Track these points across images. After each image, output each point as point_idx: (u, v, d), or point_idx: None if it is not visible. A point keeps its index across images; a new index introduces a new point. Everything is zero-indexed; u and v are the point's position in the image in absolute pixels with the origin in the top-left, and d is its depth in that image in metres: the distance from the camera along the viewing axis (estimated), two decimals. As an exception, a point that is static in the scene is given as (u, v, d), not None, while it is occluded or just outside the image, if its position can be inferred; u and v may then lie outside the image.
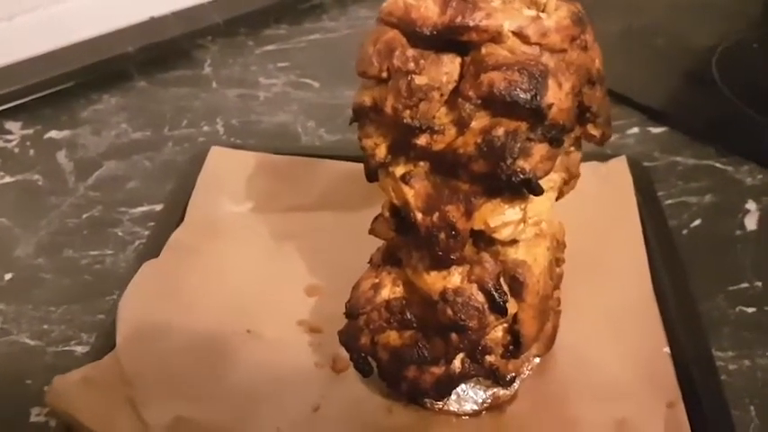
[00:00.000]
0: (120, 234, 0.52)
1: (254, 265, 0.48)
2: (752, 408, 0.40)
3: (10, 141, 0.61)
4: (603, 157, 0.52)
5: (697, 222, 0.52)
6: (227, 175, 0.53)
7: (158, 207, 0.53)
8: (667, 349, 0.41)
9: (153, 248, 0.47)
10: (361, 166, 0.51)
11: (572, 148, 0.35)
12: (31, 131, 0.62)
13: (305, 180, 0.53)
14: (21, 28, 0.68)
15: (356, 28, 0.77)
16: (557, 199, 0.36)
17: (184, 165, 0.56)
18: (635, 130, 0.60)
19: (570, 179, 0.36)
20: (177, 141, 0.61)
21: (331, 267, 0.47)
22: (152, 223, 0.52)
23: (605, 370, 0.40)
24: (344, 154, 0.55)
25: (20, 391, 0.42)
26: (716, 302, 0.46)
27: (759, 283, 0.47)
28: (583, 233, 0.45)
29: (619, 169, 0.51)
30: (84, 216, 0.54)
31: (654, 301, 0.43)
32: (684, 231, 0.51)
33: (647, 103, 0.62)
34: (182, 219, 0.50)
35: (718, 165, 0.57)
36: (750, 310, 0.45)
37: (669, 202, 0.53)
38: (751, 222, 0.52)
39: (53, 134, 0.62)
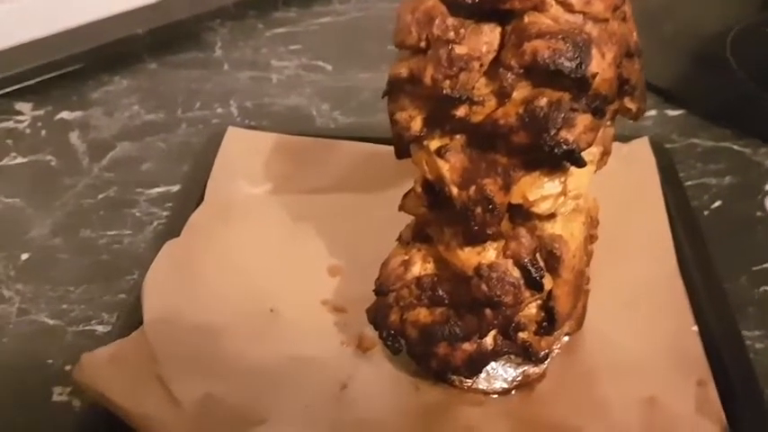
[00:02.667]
0: (137, 215, 0.51)
1: (275, 246, 0.47)
2: (780, 386, 0.40)
3: (21, 122, 0.60)
4: (623, 139, 0.52)
5: (717, 204, 0.52)
6: (245, 156, 0.52)
7: (175, 188, 0.53)
8: (695, 327, 0.41)
9: (172, 229, 0.47)
10: (378, 147, 0.52)
11: (608, 122, 0.35)
12: (41, 112, 0.62)
13: (323, 162, 0.53)
14: (29, 9, 0.67)
15: (366, 11, 0.76)
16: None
17: (200, 146, 0.55)
18: (653, 112, 0.60)
19: (604, 155, 0.36)
20: (191, 123, 0.61)
21: (351, 248, 0.47)
22: (169, 204, 0.52)
23: (633, 349, 0.40)
24: (360, 136, 0.54)
25: (41, 371, 0.41)
26: (739, 283, 0.46)
27: (782, 264, 0.47)
28: (608, 213, 0.44)
29: (641, 150, 0.51)
30: (100, 197, 0.53)
31: (680, 279, 0.43)
32: (705, 213, 0.51)
33: (664, 86, 0.62)
34: (200, 199, 0.49)
35: (735, 147, 0.57)
36: (774, 289, 0.45)
37: (689, 183, 0.53)
38: (771, 204, 0.52)
39: (64, 115, 0.61)
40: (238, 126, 0.56)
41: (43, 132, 0.60)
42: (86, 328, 0.44)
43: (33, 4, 0.66)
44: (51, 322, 0.44)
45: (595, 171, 0.37)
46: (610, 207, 0.46)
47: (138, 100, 0.63)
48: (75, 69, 0.65)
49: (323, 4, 0.77)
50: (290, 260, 0.46)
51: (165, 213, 0.51)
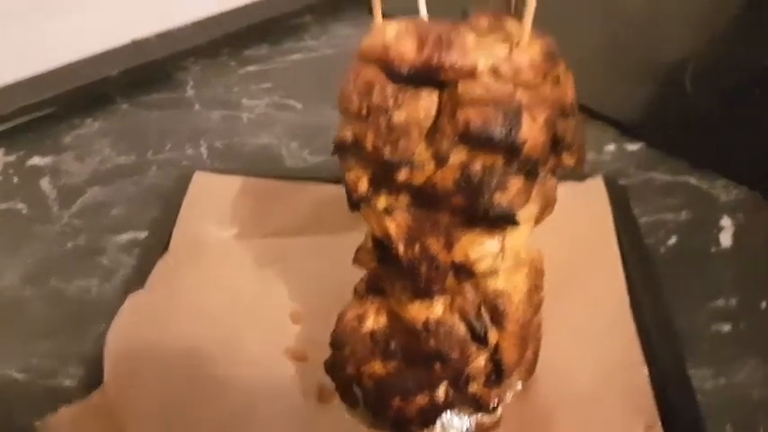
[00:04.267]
0: (105, 263, 0.52)
1: (240, 292, 0.48)
2: (728, 426, 0.41)
3: (-7, 169, 0.62)
4: (580, 177, 0.53)
5: (673, 240, 0.53)
6: (212, 200, 0.53)
7: (143, 234, 0.54)
8: (645, 370, 0.42)
9: (138, 277, 0.48)
10: (344, 189, 0.53)
11: (548, 176, 0.36)
12: (13, 158, 0.63)
13: (290, 204, 0.54)
14: (1, 53, 0.68)
15: (338, 47, 0.77)
16: (534, 225, 0.37)
17: (169, 189, 0.56)
18: (611, 147, 0.62)
19: (547, 206, 0.37)
20: (161, 165, 0.62)
21: (316, 292, 0.48)
22: (137, 250, 0.52)
23: (586, 393, 0.41)
24: (328, 176, 0.55)
25: (7, 426, 0.42)
26: (693, 319, 0.47)
27: (734, 300, 0.48)
28: (561, 254, 0.45)
29: (595, 189, 0.52)
30: (70, 245, 0.54)
31: (632, 323, 0.44)
32: (661, 249, 0.52)
33: (623, 120, 0.63)
34: (167, 246, 0.50)
35: (692, 180, 0.58)
36: (726, 326, 0.46)
37: (645, 219, 0.54)
38: (726, 239, 0.53)
39: (36, 160, 0.62)
40: (207, 168, 0.57)
41: (15, 179, 0.60)
42: (54, 381, 0.44)
43: (4, 49, 0.67)
44: (19, 376, 0.45)
45: (542, 220, 0.38)
46: (565, 249, 0.47)
47: (110, 143, 0.64)
48: (48, 113, 0.66)
49: (295, 41, 0.79)
50: (255, 307, 0.47)
51: (132, 261, 0.52)
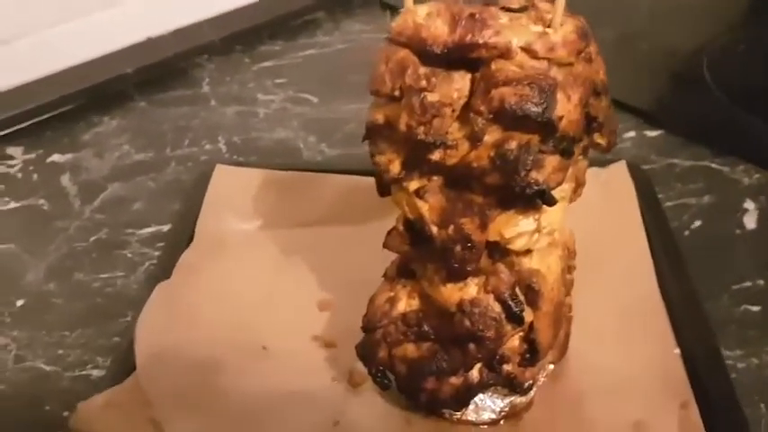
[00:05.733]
0: (129, 256, 0.52)
1: (265, 281, 0.48)
2: (762, 405, 0.41)
3: (13, 167, 0.62)
4: (602, 163, 0.53)
5: (697, 223, 0.53)
6: (234, 193, 0.53)
7: (166, 227, 0.54)
8: (677, 350, 0.42)
9: (164, 269, 0.48)
10: (365, 179, 0.53)
11: (580, 157, 0.36)
12: (33, 156, 0.63)
13: (311, 195, 0.54)
14: (18, 52, 0.69)
15: (350, 42, 0.77)
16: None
17: (189, 184, 0.56)
18: (631, 134, 0.61)
19: (578, 187, 0.37)
20: (180, 161, 0.62)
21: (341, 281, 0.48)
22: (161, 244, 0.52)
23: (618, 373, 0.41)
24: (347, 168, 0.55)
25: (39, 418, 0.42)
26: (721, 302, 0.47)
27: (761, 281, 0.48)
28: (588, 239, 0.46)
29: (619, 174, 0.52)
30: (92, 239, 0.54)
31: (661, 302, 0.44)
32: (686, 233, 0.52)
33: (643, 107, 0.63)
34: (191, 238, 0.50)
35: (714, 165, 0.58)
36: (755, 308, 0.46)
37: (668, 204, 0.54)
38: (750, 221, 0.53)
39: (56, 158, 0.63)
40: (226, 162, 0.57)
41: (35, 176, 0.61)
42: (82, 372, 0.44)
43: (21, 47, 0.67)
44: (48, 368, 0.45)
45: (572, 202, 0.38)
46: (590, 233, 0.47)
47: (128, 140, 0.64)
48: (65, 111, 0.66)
49: (308, 37, 0.79)
50: (281, 296, 0.47)
51: (156, 253, 0.52)
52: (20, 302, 0.49)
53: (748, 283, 0.48)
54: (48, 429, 0.41)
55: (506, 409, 0.39)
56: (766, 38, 0.71)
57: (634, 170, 0.53)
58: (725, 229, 0.52)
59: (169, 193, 0.58)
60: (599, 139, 0.35)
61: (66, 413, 0.41)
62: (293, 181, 0.55)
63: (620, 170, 0.52)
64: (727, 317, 0.46)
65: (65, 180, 0.60)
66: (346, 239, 0.51)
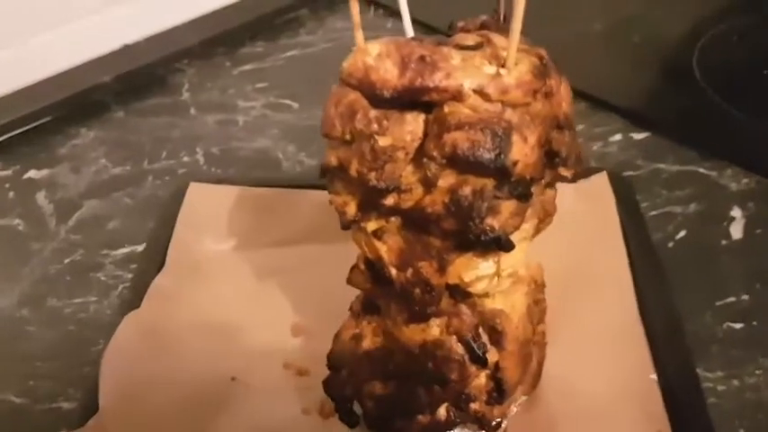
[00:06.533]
0: (102, 279, 0.52)
1: (239, 306, 0.47)
2: (741, 430, 0.40)
3: (-11, 184, 0.61)
4: (584, 173, 0.51)
5: (682, 233, 0.51)
6: (208, 212, 0.52)
7: (140, 247, 0.53)
8: (654, 375, 0.41)
9: (136, 293, 0.47)
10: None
11: (547, 189, 0.35)
12: (9, 172, 0.62)
13: (287, 213, 0.53)
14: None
15: (334, 41, 0.76)
16: (533, 237, 0.36)
17: (165, 201, 0.55)
18: (617, 137, 0.60)
19: (546, 217, 0.36)
20: (157, 175, 0.61)
21: (317, 303, 0.47)
22: (134, 265, 0.52)
23: (593, 400, 0.40)
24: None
25: (9, 454, 0.42)
26: (703, 319, 0.46)
27: (746, 296, 0.47)
28: (565, 255, 0.45)
29: (600, 186, 0.51)
30: (67, 261, 0.53)
31: (640, 324, 0.43)
32: (670, 244, 0.51)
33: (629, 108, 0.62)
34: (163, 260, 0.49)
35: (701, 170, 0.56)
36: (738, 326, 0.45)
37: (653, 213, 0.53)
38: (737, 231, 0.51)
39: (32, 174, 0.62)
40: (204, 175, 0.57)
41: (11, 194, 0.60)
42: (53, 405, 0.44)
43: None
44: (18, 401, 0.44)
45: (541, 231, 0.37)
46: (570, 249, 0.46)
47: (106, 152, 0.63)
48: (42, 123, 0.65)
49: (290, 36, 0.77)
50: (255, 322, 0.46)
51: (129, 276, 0.51)
52: (-8, 330, 0.49)
53: (732, 299, 0.47)
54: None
55: (477, 443, 0.38)
56: (760, 36, 0.69)
57: (616, 180, 0.51)
58: (710, 240, 0.51)
59: (145, 210, 0.57)
60: (564, 172, 0.33)
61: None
62: (269, 198, 0.54)
63: (600, 181, 0.51)
64: (709, 336, 0.45)
65: (40, 198, 0.59)
66: (324, 259, 0.49)
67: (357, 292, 0.40)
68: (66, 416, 0.43)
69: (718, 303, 0.47)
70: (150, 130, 0.66)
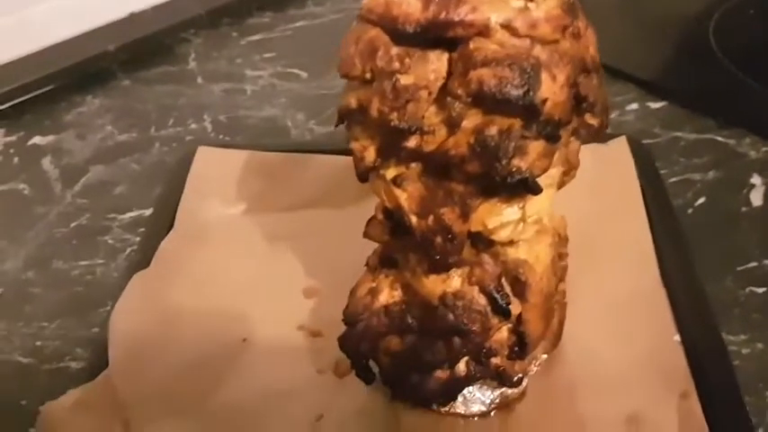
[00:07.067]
0: (110, 242, 0.51)
1: (249, 269, 0.46)
2: (767, 393, 0.39)
3: (-7, 150, 0.60)
4: (602, 138, 0.50)
5: (701, 200, 0.50)
6: (217, 176, 0.52)
7: (148, 212, 0.52)
8: (677, 337, 0.40)
9: (144, 256, 0.46)
10: (352, 160, 0.51)
11: (571, 139, 0.33)
12: (14, 138, 0.61)
13: (297, 177, 0.52)
14: (-3, 32, 0.66)
15: (343, 12, 0.74)
16: (556, 190, 0.35)
17: (172, 166, 0.54)
18: (634, 105, 0.59)
19: (570, 170, 0.35)
20: (164, 141, 0.60)
21: (329, 267, 0.46)
22: (142, 229, 0.51)
23: (614, 362, 0.39)
24: (335, 147, 0.53)
25: (16, 413, 0.41)
26: (725, 284, 0.45)
27: (767, 261, 0.46)
28: (586, 219, 0.44)
29: (619, 150, 0.50)
30: (73, 225, 0.52)
31: (661, 287, 0.42)
32: (689, 210, 0.50)
33: (646, 77, 0.60)
34: (172, 223, 0.48)
35: (719, 138, 0.55)
36: (760, 290, 0.44)
37: (672, 180, 0.52)
38: (756, 198, 0.50)
39: (37, 140, 0.61)
40: (212, 142, 0.55)
41: (16, 159, 0.59)
42: (60, 365, 0.43)
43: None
44: (25, 361, 0.43)
45: (564, 185, 0.36)
46: (588, 213, 0.45)
47: (112, 120, 0.62)
48: (47, 91, 0.64)
49: (298, 7, 0.76)
50: (266, 284, 0.45)
51: (137, 239, 0.50)
52: (-2, 292, 0.48)
53: (753, 264, 0.46)
54: (25, 425, 0.40)
55: (497, 400, 0.37)
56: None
57: (635, 145, 0.50)
58: (730, 207, 0.50)
59: (153, 176, 0.56)
60: (590, 120, 0.32)
61: (40, 407, 0.40)
62: (278, 162, 0.53)
63: (620, 146, 0.50)
64: (730, 300, 0.44)
65: (46, 163, 0.58)
66: (334, 222, 0.49)
67: (370, 252, 0.39)
68: (74, 375, 0.42)
69: (739, 269, 0.46)
70: (156, 98, 0.65)
